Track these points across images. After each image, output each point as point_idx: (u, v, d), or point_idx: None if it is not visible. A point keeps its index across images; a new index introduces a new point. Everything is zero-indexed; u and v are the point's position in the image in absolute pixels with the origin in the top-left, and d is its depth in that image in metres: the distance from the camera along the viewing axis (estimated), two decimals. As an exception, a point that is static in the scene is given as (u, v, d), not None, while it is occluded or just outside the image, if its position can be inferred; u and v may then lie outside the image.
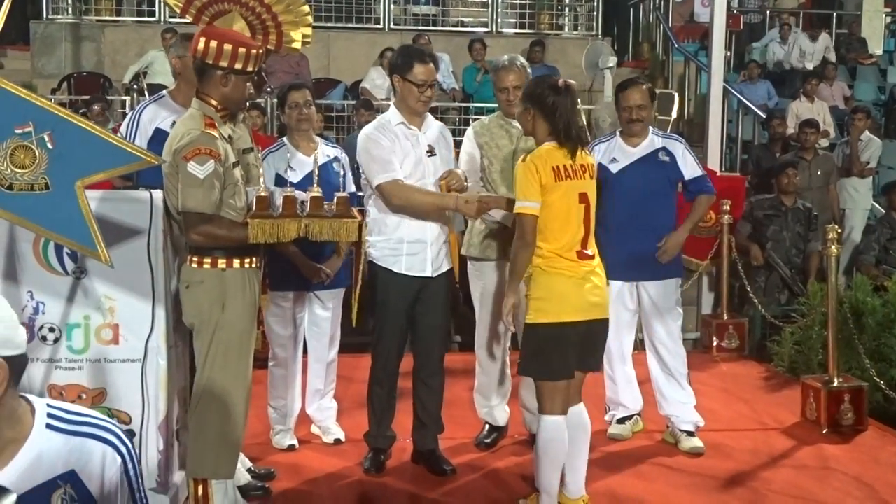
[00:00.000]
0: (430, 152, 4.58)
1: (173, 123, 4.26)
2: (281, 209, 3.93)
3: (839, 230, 5.99)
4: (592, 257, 4.17)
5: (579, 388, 4.26)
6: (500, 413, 5.18)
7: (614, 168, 5.16)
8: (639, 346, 5.56)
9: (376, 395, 4.72)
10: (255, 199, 3.92)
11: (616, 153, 5.19)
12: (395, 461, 4.83)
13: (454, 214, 4.75)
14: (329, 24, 12.50)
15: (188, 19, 4.15)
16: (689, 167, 5.18)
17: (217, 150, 3.81)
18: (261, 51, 4.01)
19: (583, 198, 4.12)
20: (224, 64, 3.87)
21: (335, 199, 4.04)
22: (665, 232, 5.17)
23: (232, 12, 4.08)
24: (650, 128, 5.26)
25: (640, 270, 5.16)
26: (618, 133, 5.28)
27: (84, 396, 4.04)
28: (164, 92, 4.59)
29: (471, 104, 11.25)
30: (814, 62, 13.23)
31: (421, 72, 4.51)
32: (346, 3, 12.78)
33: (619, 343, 5.28)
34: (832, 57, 13.31)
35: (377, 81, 11.28)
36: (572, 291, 4.05)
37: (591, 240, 4.19)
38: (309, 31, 4.39)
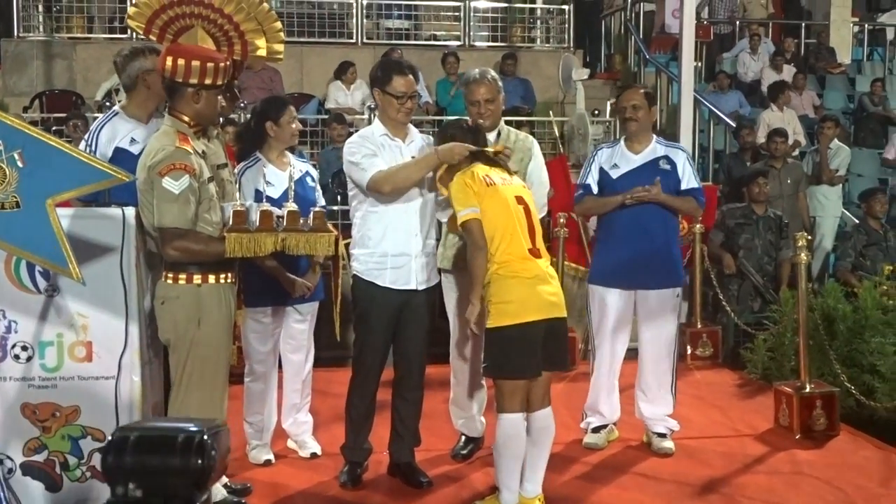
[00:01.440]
0: None
1: (132, 140, 4.25)
2: (258, 224, 3.95)
3: (808, 237, 6.06)
4: (543, 256, 4.33)
5: (547, 390, 4.36)
6: (476, 424, 5.20)
7: (615, 174, 5.22)
8: (628, 354, 5.57)
9: (355, 408, 4.71)
10: (231, 214, 3.94)
11: (618, 159, 5.25)
12: (371, 474, 4.83)
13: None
14: (302, 39, 12.54)
15: (152, 38, 4.16)
16: (687, 178, 5.21)
17: (192, 165, 3.83)
18: (228, 63, 4.02)
19: (520, 200, 4.33)
20: (194, 80, 3.89)
21: (312, 214, 4.06)
22: (663, 241, 5.20)
23: (195, 28, 4.09)
24: (654, 136, 5.31)
25: (638, 279, 5.19)
26: (622, 139, 5.34)
27: (58, 414, 4.03)
28: (117, 108, 4.52)
29: (444, 117, 11.29)
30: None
31: (400, 84, 4.54)
32: (318, 18, 12.83)
33: (611, 351, 5.33)
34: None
35: (339, 98, 11.33)
36: (530, 292, 4.19)
37: (539, 238, 4.36)
38: (281, 47, 4.41)
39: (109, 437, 1.68)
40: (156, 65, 4.21)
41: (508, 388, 4.23)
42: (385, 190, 4.49)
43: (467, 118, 4.61)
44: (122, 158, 4.15)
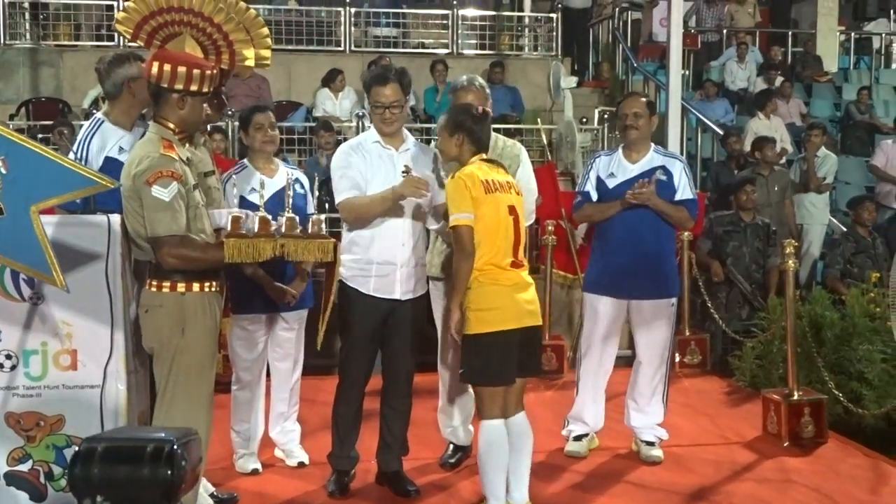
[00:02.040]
0: (406, 172, 4.57)
1: (120, 149, 4.23)
2: (256, 230, 3.92)
3: (795, 244, 6.07)
4: (523, 266, 4.37)
5: (521, 396, 4.39)
6: (464, 433, 5.18)
7: (611, 183, 5.20)
8: (618, 363, 5.57)
9: (341, 416, 4.69)
10: (229, 220, 3.91)
11: (615, 168, 5.23)
12: (359, 483, 4.81)
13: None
14: (290, 47, 12.55)
15: (140, 44, 4.13)
16: (682, 188, 5.17)
17: (178, 171, 3.81)
18: (215, 71, 4.00)
19: (511, 210, 4.32)
20: (179, 86, 3.87)
21: (310, 221, 4.04)
22: (659, 251, 5.19)
23: (183, 35, 4.06)
24: (652, 145, 5.29)
25: (631, 288, 5.17)
26: (620, 148, 5.32)
27: (42, 424, 4.00)
28: (100, 116, 4.47)
29: (432, 125, 11.28)
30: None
31: (379, 94, 4.53)
32: (306, 26, 12.84)
33: (600, 359, 5.32)
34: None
35: (326, 106, 11.32)
36: (509, 300, 4.21)
37: (521, 250, 4.38)
38: (268, 53, 4.38)
39: (76, 448, 1.62)
40: (141, 72, 4.19)
41: (487, 395, 4.25)
42: (347, 219, 4.52)
43: (474, 105, 4.53)
44: (113, 168, 4.10)
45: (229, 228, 3.90)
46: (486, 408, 4.26)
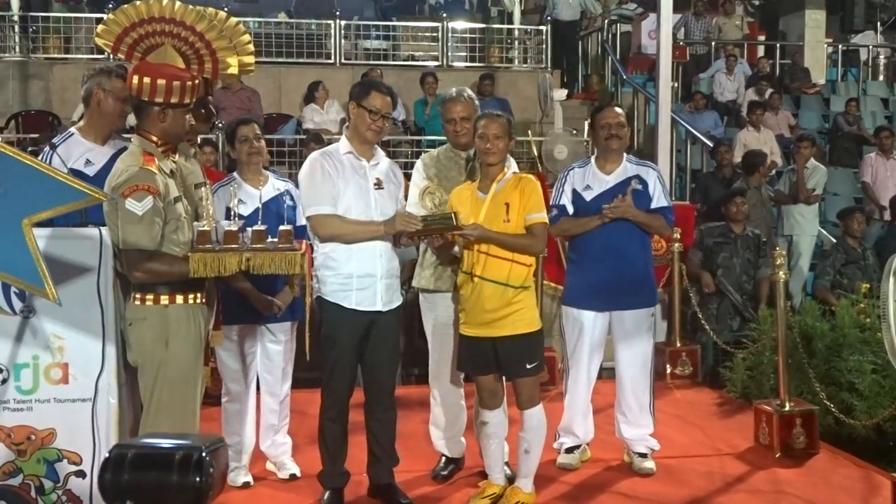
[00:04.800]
0: (378, 185, 4.56)
1: (87, 162, 4.22)
2: (222, 243, 3.90)
3: (783, 253, 6.09)
4: None
5: None
6: (456, 445, 5.17)
7: (588, 196, 5.19)
8: (602, 374, 5.57)
9: (330, 433, 4.63)
10: (196, 233, 3.89)
11: (590, 180, 5.22)
12: (351, 495, 4.78)
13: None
14: (280, 60, 12.56)
15: (121, 56, 4.12)
16: (657, 196, 5.18)
17: (155, 185, 3.78)
18: (196, 81, 3.98)
19: None
20: (159, 99, 3.86)
21: (278, 232, 4.00)
22: (638, 261, 5.19)
23: (164, 46, 4.04)
24: (625, 154, 5.29)
25: (612, 300, 5.17)
26: (592, 159, 5.31)
27: (33, 437, 3.98)
28: (73, 130, 4.45)
29: (422, 137, 11.31)
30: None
31: (377, 100, 4.50)
32: (297, 39, 12.86)
33: (587, 372, 5.31)
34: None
35: (315, 119, 11.31)
36: None
37: None
38: (251, 59, 4.35)
39: (107, 455, 1.65)
40: (114, 87, 4.24)
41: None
42: (321, 235, 4.48)
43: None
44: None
45: (196, 242, 3.87)
46: (538, 394, 4.71)
